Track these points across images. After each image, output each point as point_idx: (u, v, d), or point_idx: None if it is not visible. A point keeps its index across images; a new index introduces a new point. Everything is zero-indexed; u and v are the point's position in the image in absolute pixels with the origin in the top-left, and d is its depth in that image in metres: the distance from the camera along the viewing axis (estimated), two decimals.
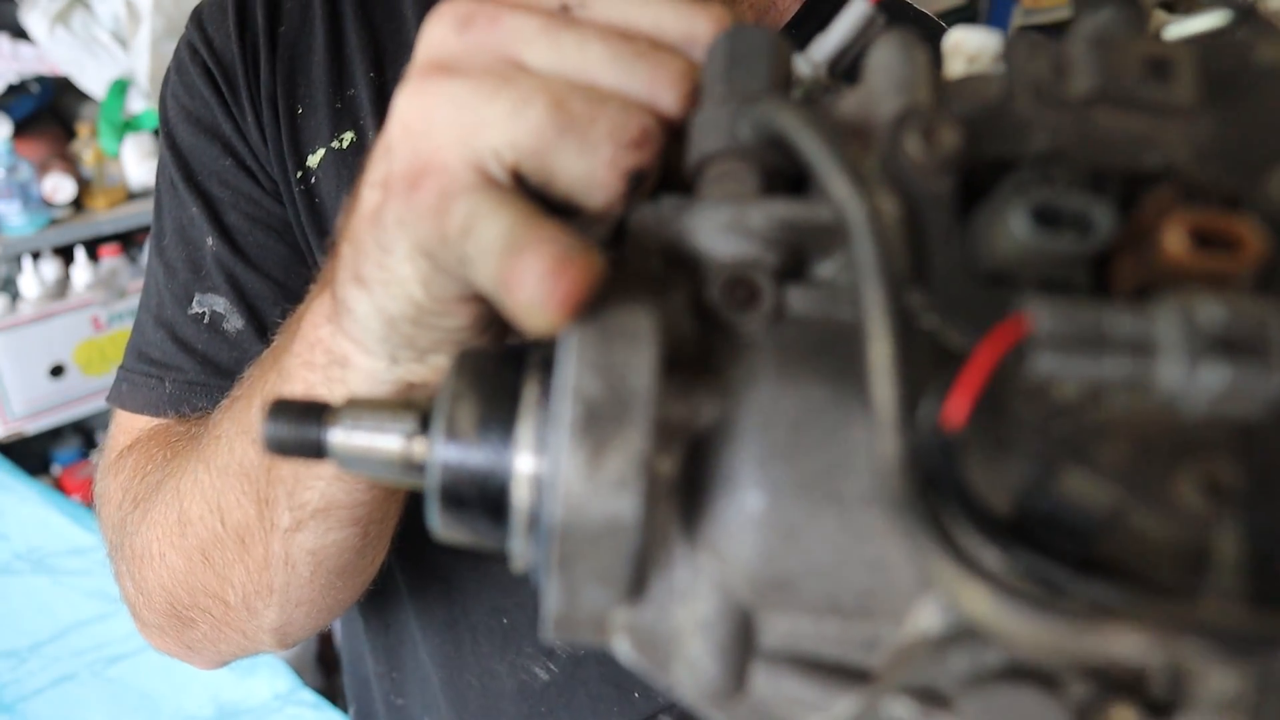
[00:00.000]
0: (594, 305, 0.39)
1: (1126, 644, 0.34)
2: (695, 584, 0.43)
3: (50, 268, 3.11)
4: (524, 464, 0.44)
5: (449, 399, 0.45)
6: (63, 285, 3.14)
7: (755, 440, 0.42)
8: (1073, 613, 0.33)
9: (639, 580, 0.43)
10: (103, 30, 2.90)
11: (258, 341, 1.02)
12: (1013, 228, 0.40)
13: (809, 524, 0.42)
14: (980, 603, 0.34)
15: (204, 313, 1.01)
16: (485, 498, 0.46)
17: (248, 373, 0.85)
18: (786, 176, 0.48)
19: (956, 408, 0.37)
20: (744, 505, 0.42)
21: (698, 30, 0.51)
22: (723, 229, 0.46)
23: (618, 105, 0.47)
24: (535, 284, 0.39)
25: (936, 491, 0.37)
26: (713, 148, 0.47)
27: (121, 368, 1.09)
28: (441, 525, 0.47)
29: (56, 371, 3.04)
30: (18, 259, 3.02)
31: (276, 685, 1.86)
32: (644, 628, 0.44)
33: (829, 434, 0.42)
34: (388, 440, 0.48)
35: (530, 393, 0.45)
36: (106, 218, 3.11)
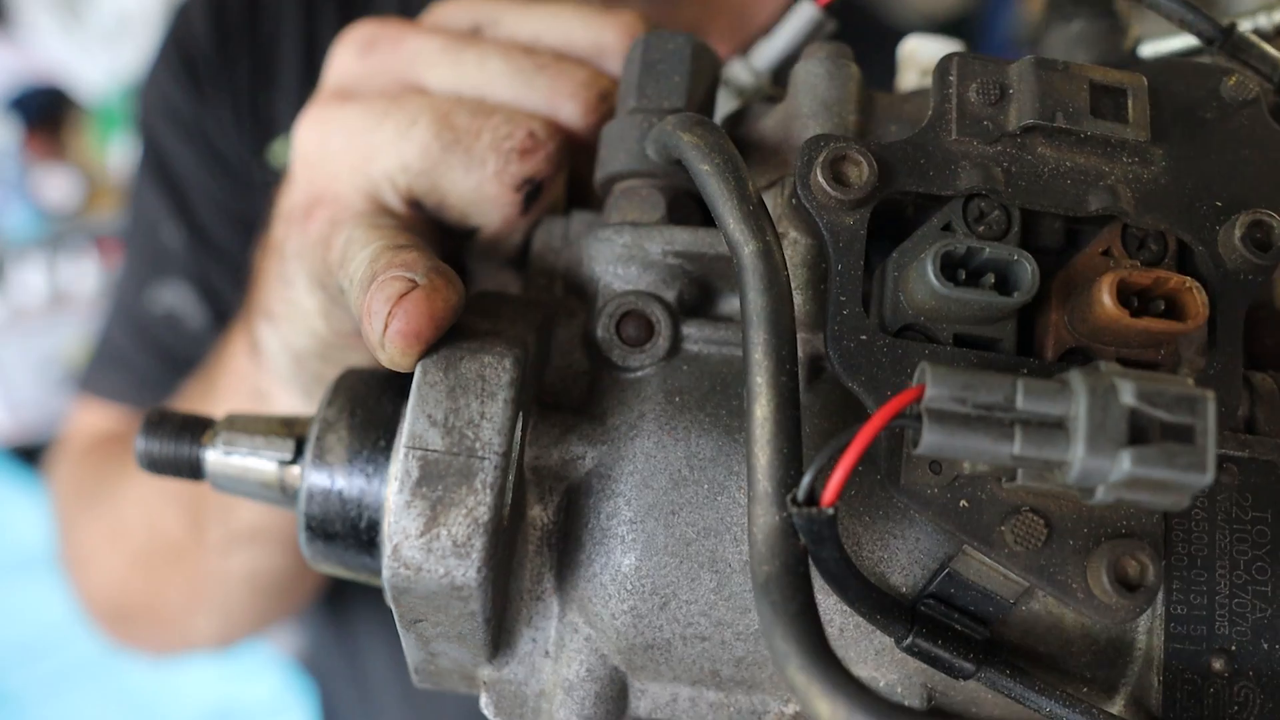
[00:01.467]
0: (454, 342, 0.36)
1: None
2: (565, 643, 0.40)
3: (57, 269, 3.11)
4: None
5: (320, 426, 0.42)
6: (71, 287, 3.14)
7: (632, 496, 0.39)
8: None
9: (498, 639, 0.40)
10: (106, 30, 2.90)
11: (218, 336, 1.00)
12: (925, 278, 0.36)
13: (685, 589, 0.39)
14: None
15: (166, 310, 1.00)
16: (354, 530, 0.43)
17: (184, 388, 0.84)
18: (698, 199, 0.44)
19: (833, 486, 0.33)
20: (617, 565, 0.39)
21: (606, 39, 0.47)
22: (619, 258, 0.42)
23: (503, 115, 0.44)
24: (376, 315, 0.36)
25: (810, 580, 0.33)
26: (618, 166, 0.43)
27: (90, 359, 1.08)
28: (310, 555, 0.44)
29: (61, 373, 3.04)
30: (22, 260, 3.04)
31: (276, 684, 1.86)
32: (509, 685, 0.41)
33: (711, 493, 0.39)
34: (262, 464, 0.45)
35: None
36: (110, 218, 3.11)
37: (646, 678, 0.40)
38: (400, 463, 0.34)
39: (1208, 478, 0.31)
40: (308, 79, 1.01)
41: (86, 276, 3.03)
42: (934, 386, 0.33)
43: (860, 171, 0.38)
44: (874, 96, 0.44)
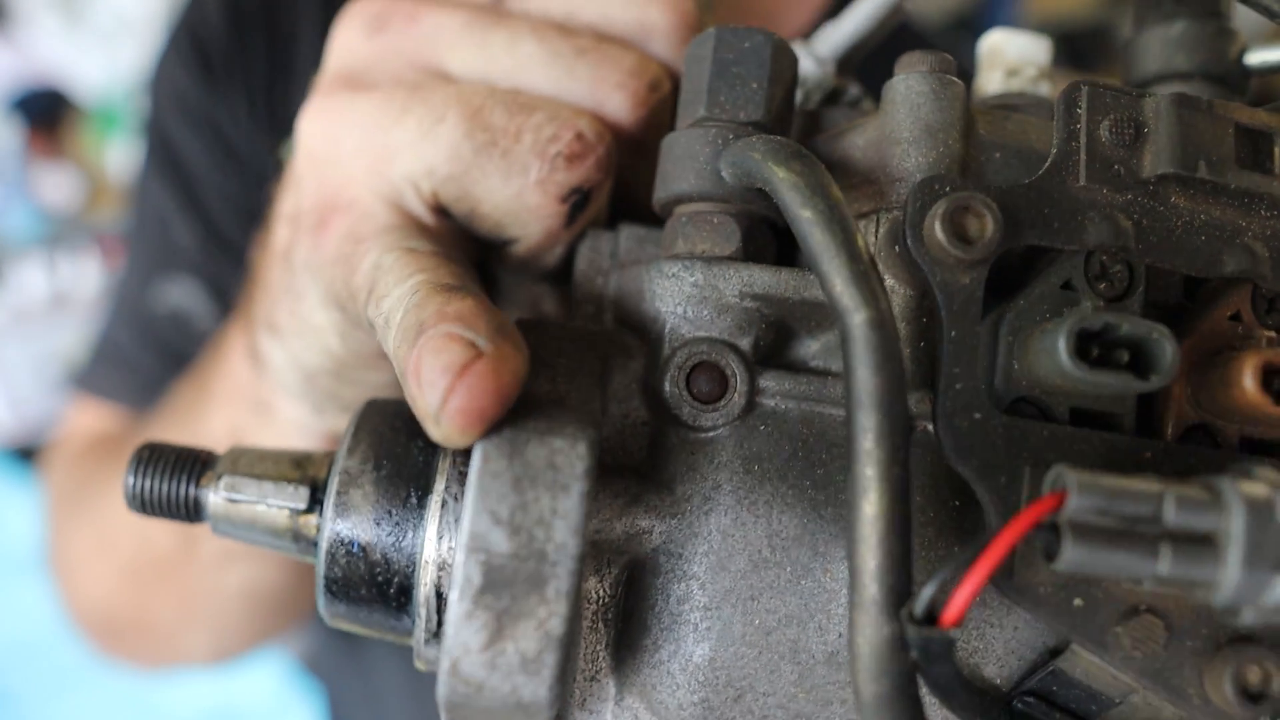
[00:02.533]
0: (516, 419, 0.31)
1: None
2: None
3: (58, 269, 2.97)
4: (431, 554, 0.37)
5: (341, 479, 0.37)
6: (72, 287, 3.01)
7: (707, 580, 0.35)
8: None
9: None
10: (107, 30, 2.75)
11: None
12: (1055, 355, 0.32)
13: (763, 681, 0.35)
14: None
15: (172, 308, 0.93)
16: (382, 594, 0.39)
17: (175, 390, 0.77)
18: (776, 226, 0.39)
19: (957, 606, 0.29)
20: (688, 655, 0.35)
21: (650, 17, 0.40)
22: (689, 298, 0.37)
23: (546, 113, 0.37)
24: (431, 385, 0.30)
25: (920, 701, 0.30)
26: (685, 187, 0.38)
27: (89, 357, 1.00)
28: (329, 615, 0.39)
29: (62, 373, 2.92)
30: (23, 260, 2.90)
31: (278, 685, 1.82)
32: None
33: (795, 577, 0.35)
34: (272, 514, 0.39)
35: (441, 481, 0.37)
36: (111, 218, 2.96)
37: None
38: (461, 567, 0.30)
39: None
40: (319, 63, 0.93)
41: (87, 277, 2.97)
42: (1080, 497, 0.29)
43: (983, 226, 0.33)
44: (975, 116, 0.39)
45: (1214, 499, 0.29)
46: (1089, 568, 0.29)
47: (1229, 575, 0.28)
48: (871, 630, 0.30)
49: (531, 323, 0.38)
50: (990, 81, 0.46)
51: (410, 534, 0.37)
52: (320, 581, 0.38)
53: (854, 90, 0.43)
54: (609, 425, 0.37)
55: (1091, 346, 0.32)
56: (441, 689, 0.30)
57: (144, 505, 0.40)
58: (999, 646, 0.36)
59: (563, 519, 0.30)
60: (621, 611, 0.36)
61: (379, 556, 0.37)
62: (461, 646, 0.29)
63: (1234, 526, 0.28)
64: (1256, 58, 0.44)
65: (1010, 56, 0.45)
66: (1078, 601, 0.33)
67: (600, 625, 0.36)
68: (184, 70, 0.95)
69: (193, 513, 0.40)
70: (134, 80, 2.60)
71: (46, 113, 2.86)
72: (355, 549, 0.37)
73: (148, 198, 0.97)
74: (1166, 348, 0.32)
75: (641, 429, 0.37)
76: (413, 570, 0.37)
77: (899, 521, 0.30)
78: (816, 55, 0.45)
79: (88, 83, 2.84)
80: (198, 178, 0.94)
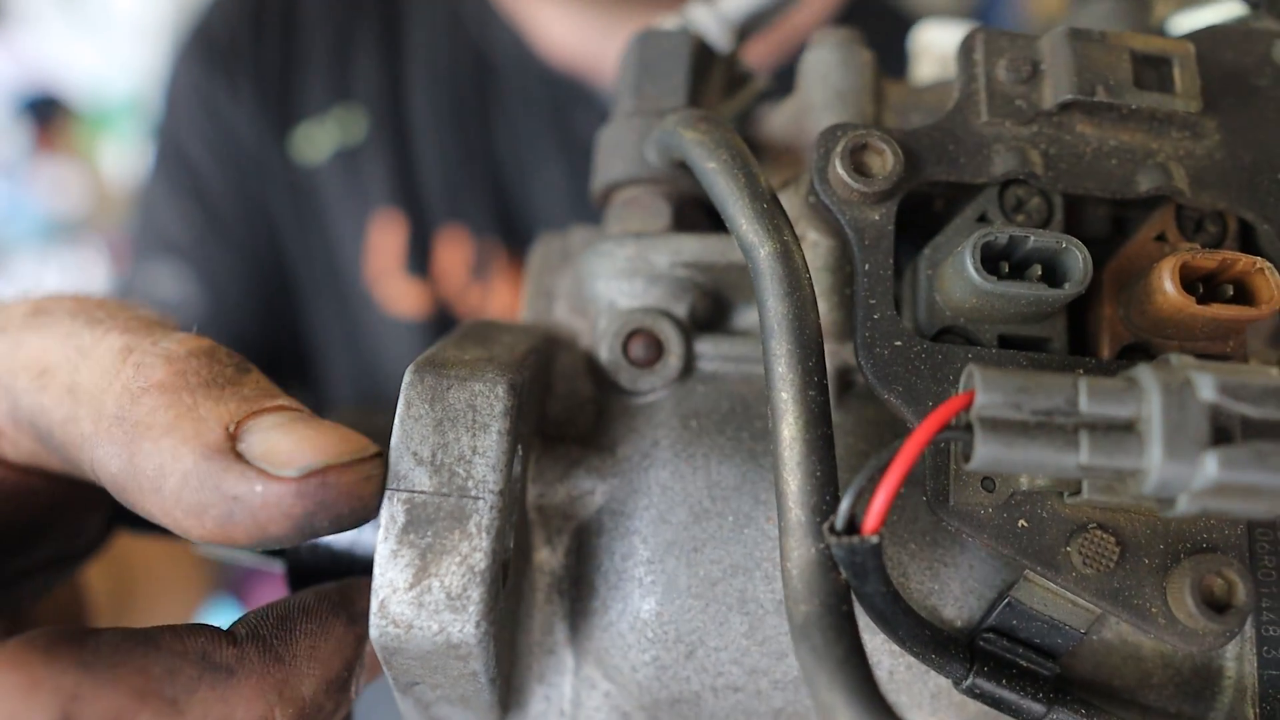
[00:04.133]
0: (441, 371, 0.32)
1: None
2: (582, 700, 0.36)
3: (65, 272, 3.10)
4: None
5: None
6: (79, 290, 3.12)
7: (649, 533, 0.35)
8: None
9: (506, 699, 0.36)
10: (117, 33, 2.91)
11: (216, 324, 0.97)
12: (965, 272, 0.32)
13: (713, 634, 0.35)
14: None
15: (159, 297, 0.97)
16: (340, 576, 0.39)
17: None
18: (706, 205, 0.40)
19: (876, 511, 0.29)
20: (635, 611, 0.35)
21: None
22: (623, 272, 0.38)
23: None
24: None
25: (854, 619, 0.29)
26: (618, 174, 0.40)
27: None
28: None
29: None
30: (31, 262, 3.03)
31: None
32: None
33: (737, 526, 0.35)
34: None
35: None
36: (119, 221, 3.09)
37: None
38: (385, 508, 0.30)
39: None
40: (336, 61, 0.99)
41: (95, 279, 3.02)
42: (985, 392, 0.29)
43: (884, 161, 0.34)
44: (890, 86, 0.40)
45: (1129, 384, 0.29)
46: (1006, 463, 0.28)
47: (1153, 458, 0.28)
48: (799, 552, 0.30)
49: (480, 320, 0.40)
50: (923, 71, 0.47)
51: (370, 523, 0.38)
52: (286, 574, 0.39)
53: (760, 80, 0.45)
54: (555, 404, 0.38)
55: (1001, 265, 0.33)
56: (373, 631, 0.30)
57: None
58: (955, 586, 0.35)
59: (482, 456, 0.31)
60: (574, 580, 0.36)
61: (341, 547, 0.38)
62: (389, 585, 0.30)
63: (1152, 409, 0.28)
64: (1178, 22, 0.45)
65: (940, 48, 0.47)
66: (1022, 523, 0.32)
67: (555, 597, 0.36)
68: (201, 67, 1.01)
69: None
70: (137, 81, 2.62)
71: (55, 116, 2.89)
72: (318, 541, 0.38)
73: (154, 191, 1.02)
74: (1077, 256, 0.32)
75: (588, 406, 0.38)
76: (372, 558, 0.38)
77: (818, 443, 0.30)
78: (722, 14, 0.45)
79: (97, 86, 2.86)
80: (204, 173, 0.99)
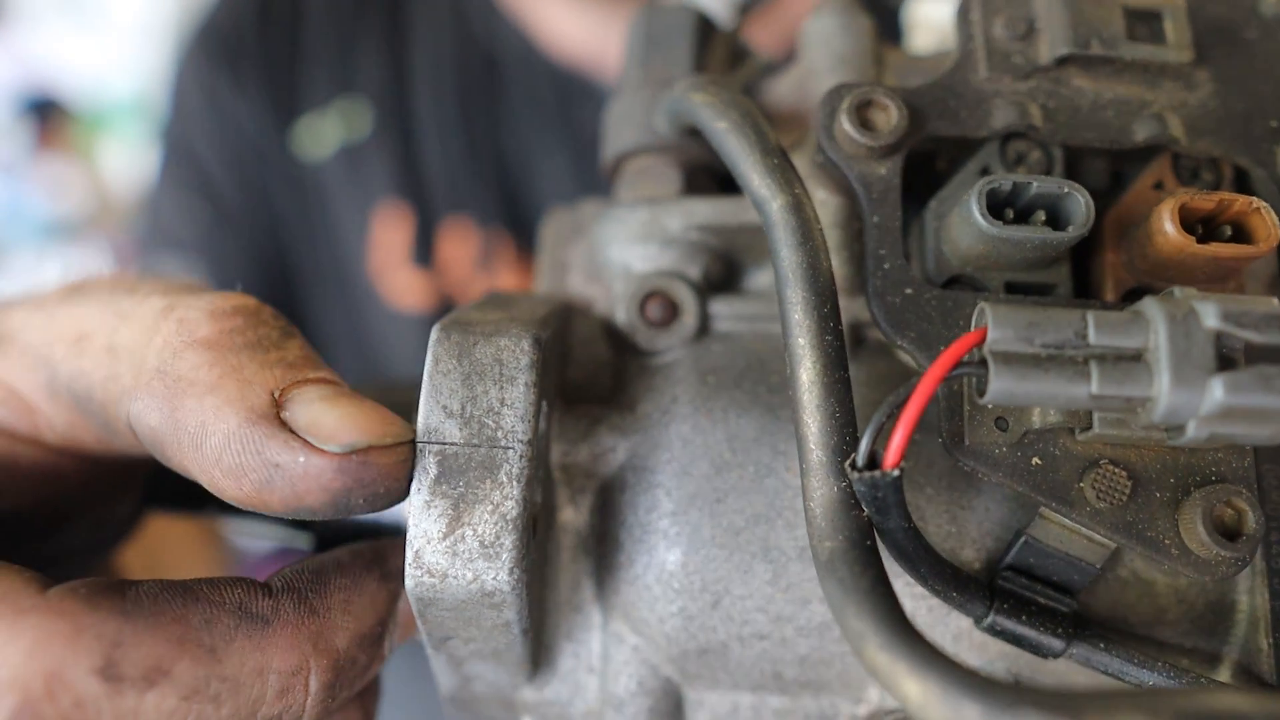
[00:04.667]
0: (467, 329, 0.33)
1: None
2: (611, 655, 0.37)
3: (69, 272, 3.09)
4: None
5: None
6: None
7: (672, 486, 0.36)
8: (1037, 719, 0.25)
9: (537, 655, 0.37)
10: (120, 34, 2.92)
11: None
12: (970, 219, 0.33)
13: (738, 583, 0.35)
14: (924, 702, 0.27)
15: None
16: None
17: None
18: (715, 172, 0.41)
19: (896, 447, 0.30)
20: (661, 563, 0.36)
21: None
22: (636, 237, 0.39)
23: None
24: None
25: (878, 552, 0.30)
26: (628, 143, 0.41)
27: None
28: None
29: None
30: (34, 263, 3.02)
31: None
32: (552, 707, 0.37)
33: (758, 476, 0.36)
34: None
35: None
36: (124, 222, 3.09)
37: (703, 687, 0.37)
38: (417, 461, 0.31)
39: None
40: (341, 54, 1.00)
41: None
42: (997, 327, 0.30)
43: (888, 116, 0.35)
44: (889, 51, 0.41)
45: (1136, 316, 0.30)
46: (1020, 396, 0.29)
47: (1161, 386, 0.29)
48: (822, 490, 0.31)
49: (499, 290, 0.41)
50: (919, 42, 0.48)
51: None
52: (310, 547, 0.39)
53: (760, 59, 0.46)
54: (575, 369, 0.39)
55: (1005, 212, 0.34)
56: (409, 582, 0.31)
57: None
58: (972, 529, 0.35)
59: (510, 408, 0.32)
60: (599, 538, 0.37)
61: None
62: (423, 536, 0.31)
63: (1159, 338, 0.29)
64: None
65: (935, 22, 0.48)
66: (1036, 460, 0.33)
67: (580, 555, 0.37)
68: (206, 63, 1.02)
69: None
70: (138, 81, 2.60)
71: (52, 114, 2.89)
72: None
73: (162, 187, 1.03)
74: (1079, 199, 0.33)
75: (606, 368, 0.39)
76: (399, 525, 0.39)
77: (836, 385, 0.31)
78: None
79: (91, 84, 2.87)
80: (211, 168, 1.00)
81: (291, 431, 0.30)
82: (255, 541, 0.49)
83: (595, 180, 0.89)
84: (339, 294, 1.02)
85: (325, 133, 1.00)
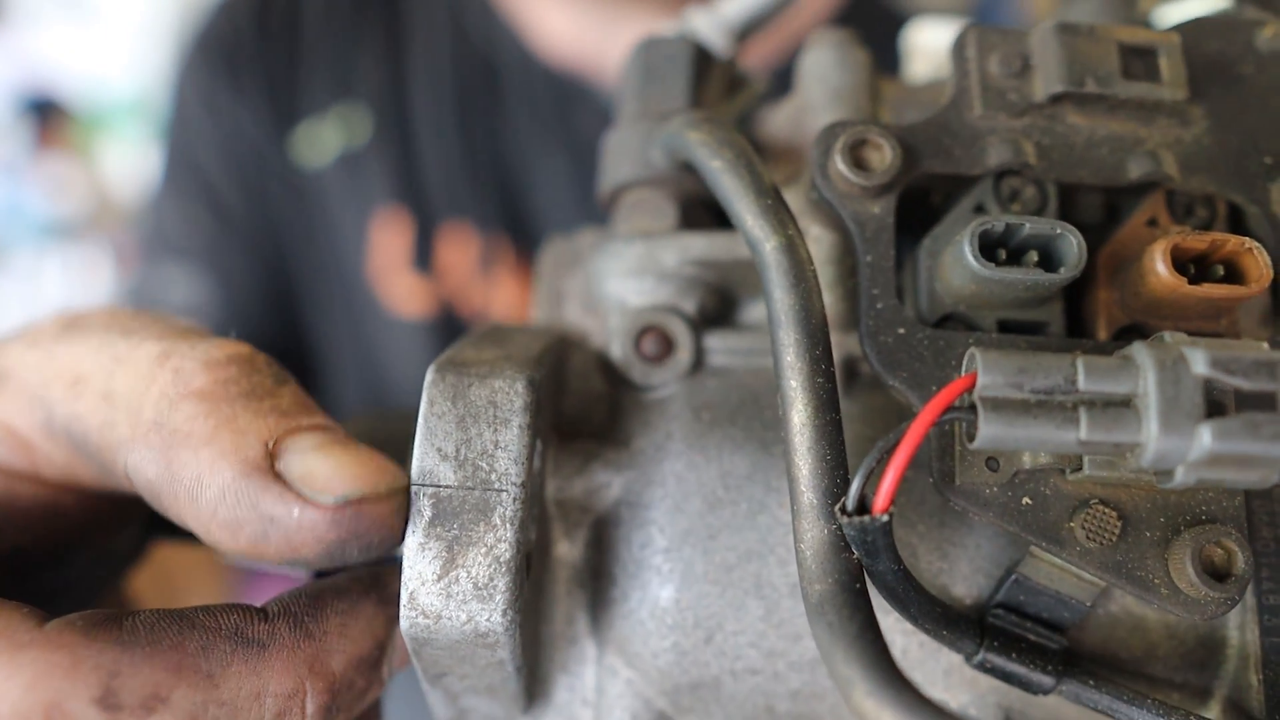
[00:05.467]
0: (461, 370, 0.33)
1: None
2: (605, 689, 0.37)
3: (70, 272, 3.10)
4: None
5: None
6: (84, 291, 3.13)
7: (665, 523, 0.36)
8: None
9: (532, 689, 0.37)
10: (121, 34, 2.93)
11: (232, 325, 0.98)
12: (963, 260, 0.33)
13: (730, 619, 0.36)
14: None
15: (179, 298, 0.99)
16: None
17: None
18: (710, 206, 0.42)
19: (886, 491, 0.30)
20: (654, 599, 0.36)
21: None
22: (632, 271, 0.39)
23: None
24: None
25: (867, 596, 0.30)
26: (625, 176, 0.41)
27: None
28: None
29: None
30: (34, 263, 3.03)
31: None
32: None
33: (750, 513, 0.36)
34: None
35: None
36: (124, 222, 3.09)
37: None
38: (412, 503, 0.32)
39: None
40: (339, 61, 1.01)
41: (96, 279, 3.01)
42: (986, 373, 0.30)
43: (882, 155, 0.35)
44: (886, 84, 0.41)
45: (1125, 362, 0.30)
46: (1009, 441, 0.30)
47: (1150, 432, 0.29)
48: (812, 533, 0.31)
49: (495, 324, 0.41)
50: (917, 69, 0.48)
51: None
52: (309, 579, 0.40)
53: (759, 83, 0.46)
54: (570, 402, 0.39)
55: (998, 252, 0.34)
56: (404, 623, 0.31)
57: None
58: (963, 565, 0.36)
59: (505, 450, 0.32)
60: (593, 572, 0.37)
61: None
62: (417, 577, 0.31)
63: (1147, 384, 0.29)
64: (1162, 15, 0.46)
65: (932, 48, 0.48)
66: (1026, 500, 0.33)
67: (575, 589, 0.37)
68: (206, 70, 1.02)
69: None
70: (138, 81, 2.61)
71: (52, 114, 2.90)
72: None
73: (164, 195, 1.03)
74: (1071, 241, 0.33)
75: (601, 402, 0.39)
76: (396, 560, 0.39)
77: (828, 428, 0.32)
78: (723, 18, 0.46)
79: (91, 84, 2.88)
80: (213, 176, 1.00)
81: (285, 484, 0.31)
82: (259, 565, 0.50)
83: (594, 185, 0.90)
84: (339, 300, 1.02)
85: (325, 138, 1.00)
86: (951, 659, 0.36)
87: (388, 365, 1.00)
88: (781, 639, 0.36)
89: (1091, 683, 0.34)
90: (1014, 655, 0.34)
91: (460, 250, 0.98)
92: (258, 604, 0.34)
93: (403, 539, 0.32)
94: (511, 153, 0.97)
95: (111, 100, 2.91)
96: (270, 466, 0.31)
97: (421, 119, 0.98)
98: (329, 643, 0.33)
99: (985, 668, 0.34)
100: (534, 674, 0.37)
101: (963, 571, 0.36)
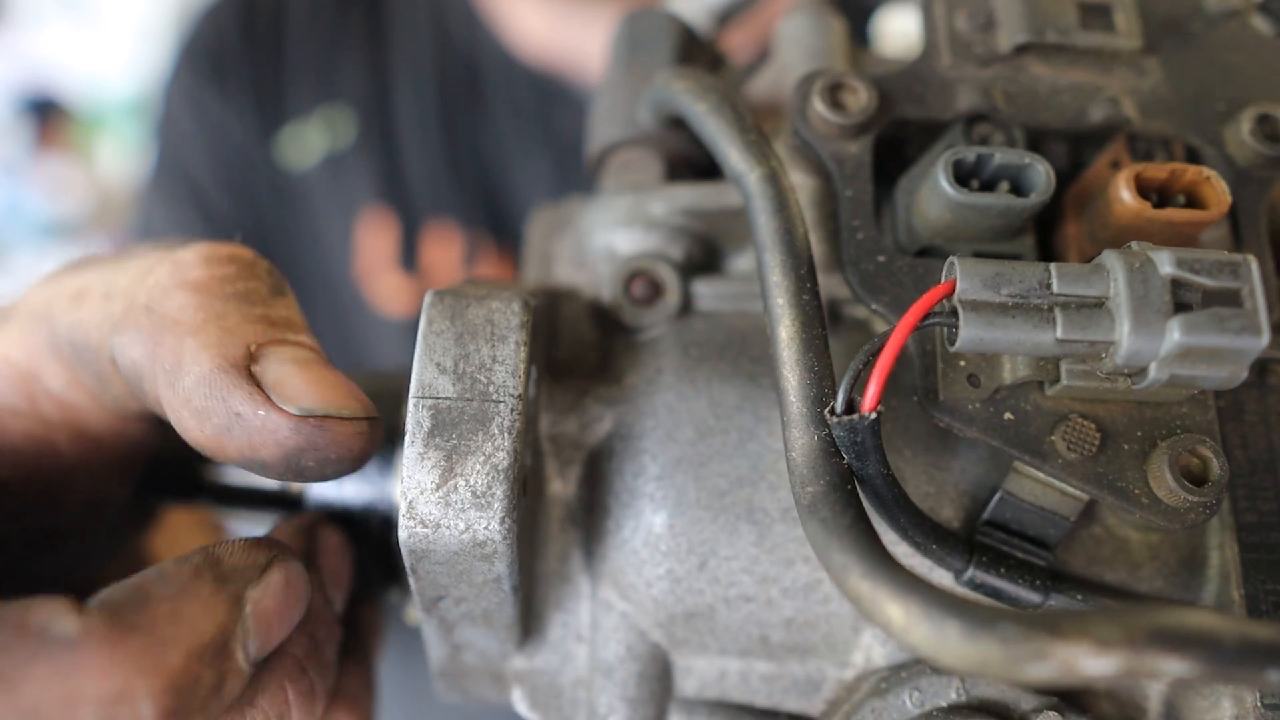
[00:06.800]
0: (459, 294, 0.34)
1: (1090, 665, 0.28)
2: (599, 623, 0.37)
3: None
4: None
5: None
6: None
7: (657, 451, 0.37)
8: (1015, 633, 0.26)
9: (527, 623, 0.37)
10: (118, 33, 2.96)
11: None
12: (938, 189, 0.35)
13: (723, 544, 0.36)
14: (907, 624, 0.28)
15: None
16: (366, 538, 0.41)
17: None
18: (695, 165, 0.43)
19: (873, 392, 0.31)
20: (648, 526, 0.36)
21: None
22: (621, 221, 0.41)
23: None
24: None
25: (858, 495, 0.31)
26: (613, 137, 0.42)
27: None
28: None
29: None
30: (33, 263, 3.00)
31: None
32: (542, 676, 0.38)
33: (740, 440, 0.37)
34: (263, 481, 0.42)
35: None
36: (122, 222, 3.06)
37: (690, 652, 0.37)
38: (410, 415, 0.32)
39: (1263, 339, 0.30)
40: (323, 64, 1.03)
41: None
42: (965, 278, 0.31)
43: (858, 97, 0.37)
44: (860, 52, 0.44)
45: (1096, 267, 0.31)
46: (988, 342, 0.31)
47: (1123, 329, 0.30)
48: (802, 440, 0.32)
49: (483, 278, 0.42)
50: (887, 50, 0.51)
51: (389, 477, 0.40)
52: None
53: (737, 68, 0.48)
54: (562, 349, 0.40)
55: (971, 183, 0.36)
56: (402, 533, 0.31)
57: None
58: (950, 488, 0.36)
59: (502, 364, 0.33)
60: (587, 508, 0.38)
61: (359, 503, 0.40)
62: (417, 487, 0.32)
63: (1118, 286, 0.30)
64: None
65: (900, 30, 0.51)
66: (1008, 415, 0.34)
67: (569, 526, 0.38)
68: (193, 76, 1.03)
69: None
70: (137, 81, 2.58)
71: (51, 114, 2.88)
72: (339, 499, 0.40)
73: (153, 200, 1.04)
74: (1040, 169, 0.35)
75: (593, 348, 0.40)
76: (389, 506, 0.39)
77: (815, 341, 0.33)
78: (702, 2, 0.49)
79: (91, 84, 2.85)
80: (202, 181, 1.01)
81: (257, 385, 0.31)
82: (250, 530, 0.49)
83: (574, 182, 0.91)
84: (326, 300, 1.03)
85: (310, 141, 1.02)
86: (940, 583, 0.36)
87: (375, 363, 1.01)
88: (774, 564, 0.36)
89: (1079, 597, 0.35)
90: (1002, 571, 0.34)
91: (445, 249, 0.99)
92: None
93: (360, 466, 0.32)
94: (493, 151, 0.99)
95: (111, 100, 2.90)
96: (246, 368, 0.31)
97: (404, 120, 1.00)
98: (159, 633, 0.29)
99: (974, 585, 0.34)
100: (529, 609, 0.37)
101: (949, 494, 0.36)
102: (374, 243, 1.01)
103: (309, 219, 1.03)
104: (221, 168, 1.03)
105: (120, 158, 2.94)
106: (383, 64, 1.03)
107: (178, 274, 0.33)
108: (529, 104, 1.00)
